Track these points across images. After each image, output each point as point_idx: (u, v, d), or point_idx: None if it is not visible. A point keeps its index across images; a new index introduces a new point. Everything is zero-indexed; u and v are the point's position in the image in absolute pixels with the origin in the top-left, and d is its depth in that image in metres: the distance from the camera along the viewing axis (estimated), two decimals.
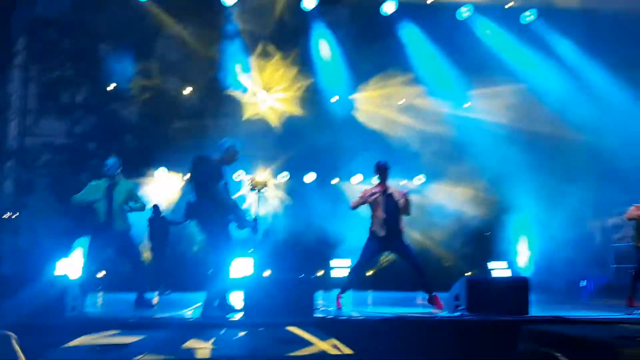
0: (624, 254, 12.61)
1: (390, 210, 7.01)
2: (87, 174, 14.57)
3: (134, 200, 6.89)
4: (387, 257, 12.69)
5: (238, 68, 12.45)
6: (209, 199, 5.63)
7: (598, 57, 11.83)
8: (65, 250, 11.22)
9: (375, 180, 7.21)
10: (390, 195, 7.07)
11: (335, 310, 6.57)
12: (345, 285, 7.19)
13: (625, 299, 7.80)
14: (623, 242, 13.08)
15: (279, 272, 11.53)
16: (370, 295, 10.97)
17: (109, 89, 13.20)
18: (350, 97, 13.43)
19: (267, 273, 11.92)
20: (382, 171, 7.16)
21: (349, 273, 7.40)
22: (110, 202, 6.69)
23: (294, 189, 13.87)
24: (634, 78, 11.19)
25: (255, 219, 6.09)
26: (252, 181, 6.80)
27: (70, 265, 10.69)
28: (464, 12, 12.42)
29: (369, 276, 13.64)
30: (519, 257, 13.43)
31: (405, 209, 7.04)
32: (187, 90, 13.35)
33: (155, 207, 10.78)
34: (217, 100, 12.86)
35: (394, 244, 7.08)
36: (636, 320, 5.81)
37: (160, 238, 10.62)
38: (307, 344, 3.76)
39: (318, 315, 5.60)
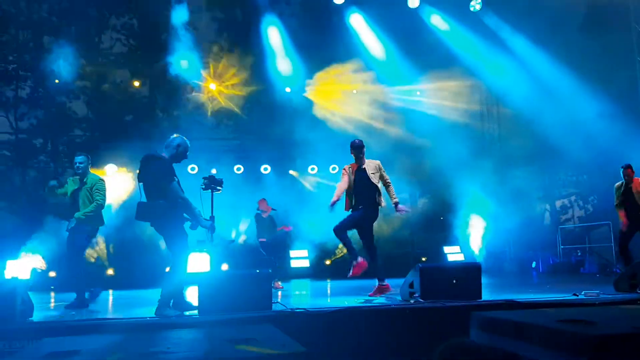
0: (571, 234, 13.12)
1: (364, 185, 7.15)
2: (33, 170, 14.16)
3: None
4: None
5: (188, 60, 12.23)
6: (163, 199, 5.51)
7: (540, 43, 12.17)
8: (14, 251, 10.83)
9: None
10: (364, 170, 7.15)
11: (290, 305, 6.58)
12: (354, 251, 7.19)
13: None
14: (569, 223, 13.61)
15: (235, 266, 11.49)
16: (329, 284, 11.06)
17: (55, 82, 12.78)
18: (304, 87, 13.40)
19: (224, 267, 11.86)
20: (357, 149, 7.21)
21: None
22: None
23: (250, 180, 13.78)
24: (575, 62, 11.58)
25: (211, 217, 6.05)
26: (206, 179, 6.72)
27: (20, 267, 10.32)
28: (414, 1, 12.50)
29: (328, 265, 13.76)
30: (471, 241, 13.76)
31: (385, 180, 7.18)
32: (137, 83, 13.06)
33: None
34: (167, 92, 12.63)
35: (368, 215, 7.16)
36: (581, 302, 6.04)
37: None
38: (262, 342, 3.75)
39: (275, 309, 5.60)
